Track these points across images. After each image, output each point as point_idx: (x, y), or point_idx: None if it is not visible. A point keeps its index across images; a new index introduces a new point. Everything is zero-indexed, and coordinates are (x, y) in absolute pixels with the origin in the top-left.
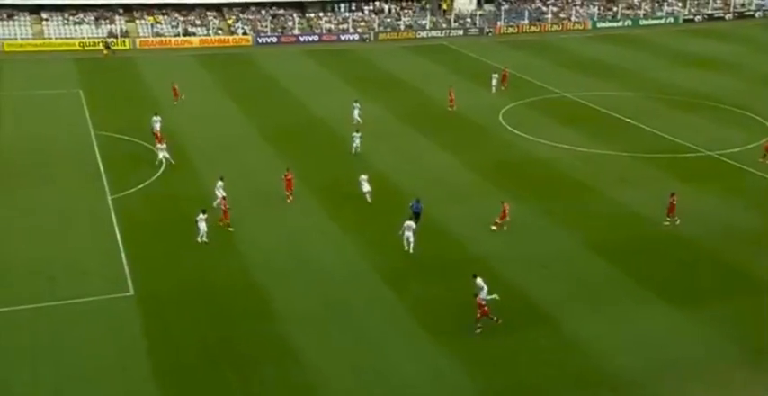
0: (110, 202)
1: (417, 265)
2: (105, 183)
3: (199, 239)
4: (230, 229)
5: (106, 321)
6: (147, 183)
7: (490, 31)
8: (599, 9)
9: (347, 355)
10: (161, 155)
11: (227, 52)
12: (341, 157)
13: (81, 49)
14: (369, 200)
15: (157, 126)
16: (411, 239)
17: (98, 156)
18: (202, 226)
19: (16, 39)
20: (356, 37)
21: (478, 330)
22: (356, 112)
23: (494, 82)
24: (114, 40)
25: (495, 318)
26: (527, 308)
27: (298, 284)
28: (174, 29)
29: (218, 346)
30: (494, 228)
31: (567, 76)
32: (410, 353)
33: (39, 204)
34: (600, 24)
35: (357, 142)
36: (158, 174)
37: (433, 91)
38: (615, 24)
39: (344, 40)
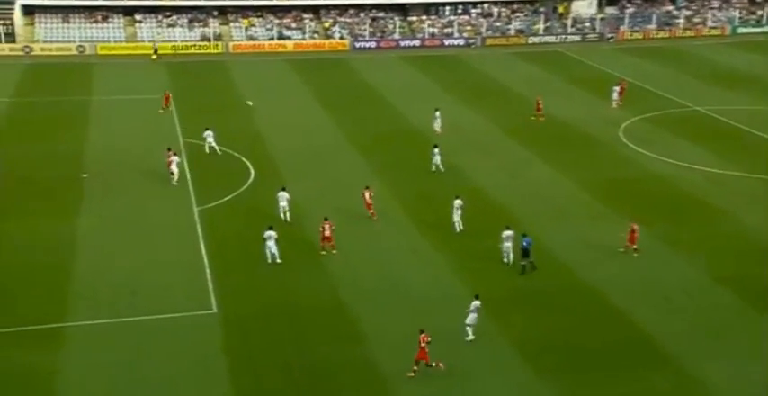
0: (196, 213)
1: (520, 292)
2: (192, 193)
3: (270, 261)
4: (334, 252)
5: (187, 339)
6: (234, 194)
7: (612, 37)
8: (740, 13)
9: (439, 386)
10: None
11: (322, 57)
12: (438, 171)
13: (173, 52)
14: (457, 229)
15: (210, 139)
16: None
17: (186, 164)
18: (271, 245)
19: (109, 41)
20: (461, 42)
21: (412, 374)
22: (437, 121)
23: (614, 95)
24: (158, 43)
25: (435, 363)
26: (645, 345)
27: (388, 307)
28: (269, 32)
29: (301, 370)
30: (622, 250)
31: (701, 88)
32: (510, 392)
33: (124, 214)
34: (741, 30)
35: (437, 159)
36: (246, 185)
37: (543, 101)
38: (759, 30)
39: (448, 46)
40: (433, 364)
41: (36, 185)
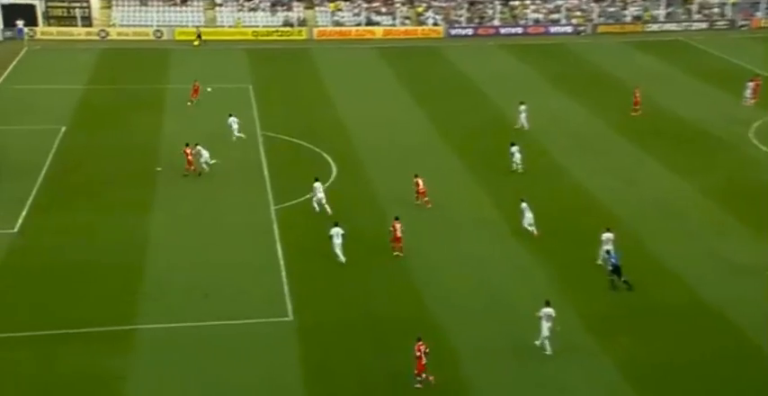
0: (273, 213)
1: (629, 309)
2: (269, 191)
3: (339, 260)
4: (397, 253)
5: (261, 348)
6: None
7: (744, 25)
8: None
9: None
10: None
11: (413, 45)
12: (540, 172)
13: (254, 38)
14: (534, 231)
15: (235, 126)
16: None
17: (263, 160)
18: (338, 243)
19: (188, 26)
20: (569, 29)
21: (418, 385)
22: (523, 116)
23: (747, 91)
24: (201, 28)
25: (427, 376)
26: None
27: (479, 320)
28: (356, 17)
29: (382, 387)
30: None
31: None
32: None
33: (197, 211)
34: None
35: (518, 156)
36: (328, 182)
37: (660, 96)
38: None
39: (554, 33)
40: (423, 377)
41: (109, 178)
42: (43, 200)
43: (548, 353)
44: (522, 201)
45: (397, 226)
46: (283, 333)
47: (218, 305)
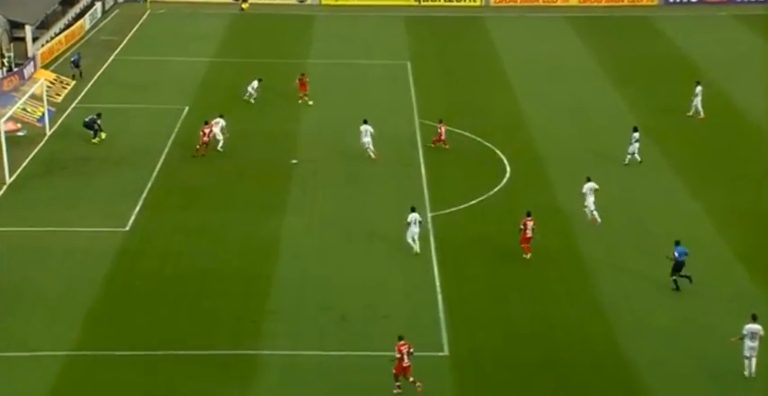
0: (429, 220)
1: None
2: (426, 193)
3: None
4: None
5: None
6: (483, 197)
7: None
8: None
9: None
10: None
11: (617, 14)
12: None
13: (416, 3)
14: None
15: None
16: None
17: (420, 154)
18: (416, 231)
19: None
20: None
21: (396, 391)
22: (697, 100)
23: None
24: None
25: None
26: None
27: (683, 368)
28: None
29: None
30: None
31: None
32: None
33: (337, 214)
34: None
35: (635, 147)
36: (499, 186)
37: None
38: None
39: None
40: (411, 380)
41: (237, 170)
42: (159, 193)
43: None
44: None
45: (529, 224)
46: (436, 370)
47: (358, 331)
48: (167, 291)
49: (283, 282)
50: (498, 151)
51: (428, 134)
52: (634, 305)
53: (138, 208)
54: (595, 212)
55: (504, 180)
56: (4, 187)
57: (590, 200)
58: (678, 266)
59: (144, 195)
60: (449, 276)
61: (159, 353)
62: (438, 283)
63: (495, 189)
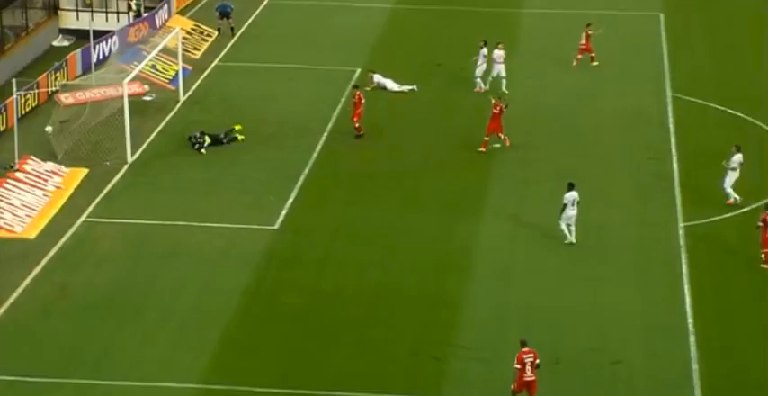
0: (680, 231)
1: None
2: (678, 196)
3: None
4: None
5: None
6: (751, 206)
7: None
8: None
9: None
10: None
11: None
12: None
13: None
14: None
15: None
16: None
17: (672, 142)
18: (572, 214)
19: None
20: None
21: None
22: None
23: None
24: None
25: None
26: None
27: None
28: None
29: None
30: None
31: None
32: None
33: (552, 222)
34: None
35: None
36: None
37: None
38: None
39: None
40: None
41: (420, 157)
42: (319, 182)
43: None
44: None
45: None
46: None
47: (572, 379)
48: (324, 312)
49: (477, 308)
50: None
51: (684, 113)
52: None
53: (290, 200)
54: None
55: None
56: (126, 167)
57: None
58: None
59: (299, 185)
60: (705, 300)
61: (310, 392)
62: (689, 313)
63: None
